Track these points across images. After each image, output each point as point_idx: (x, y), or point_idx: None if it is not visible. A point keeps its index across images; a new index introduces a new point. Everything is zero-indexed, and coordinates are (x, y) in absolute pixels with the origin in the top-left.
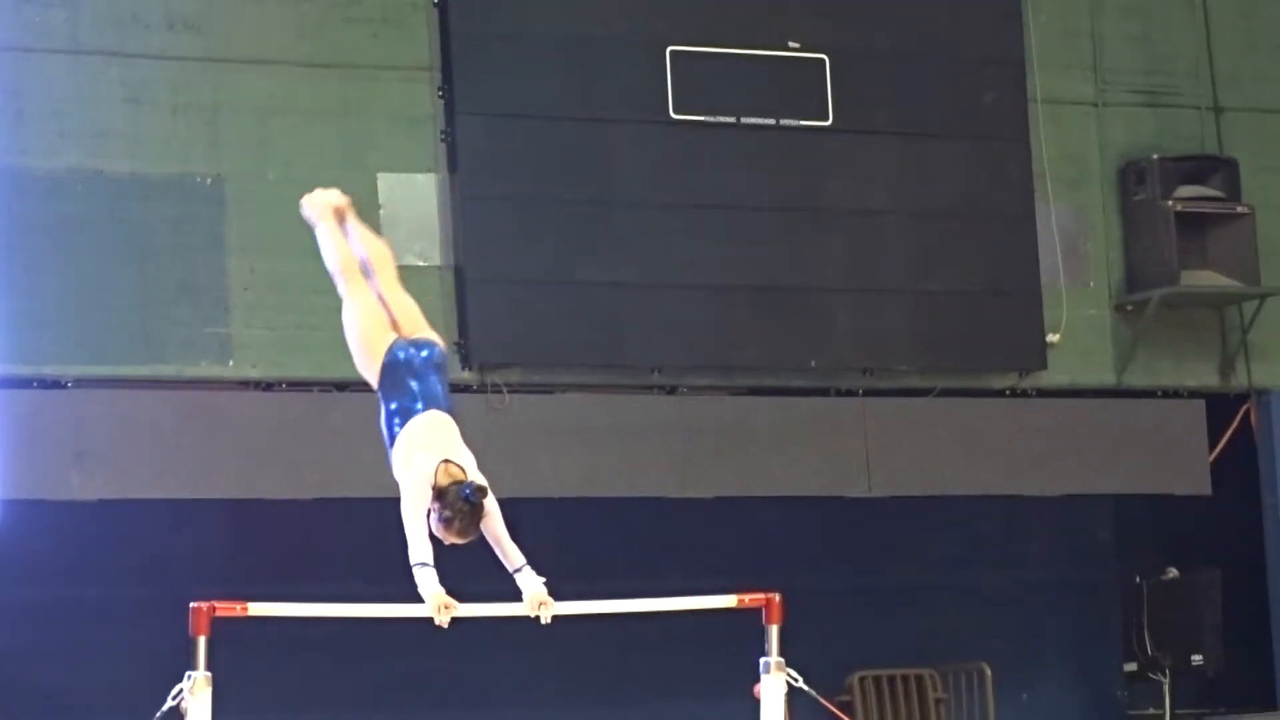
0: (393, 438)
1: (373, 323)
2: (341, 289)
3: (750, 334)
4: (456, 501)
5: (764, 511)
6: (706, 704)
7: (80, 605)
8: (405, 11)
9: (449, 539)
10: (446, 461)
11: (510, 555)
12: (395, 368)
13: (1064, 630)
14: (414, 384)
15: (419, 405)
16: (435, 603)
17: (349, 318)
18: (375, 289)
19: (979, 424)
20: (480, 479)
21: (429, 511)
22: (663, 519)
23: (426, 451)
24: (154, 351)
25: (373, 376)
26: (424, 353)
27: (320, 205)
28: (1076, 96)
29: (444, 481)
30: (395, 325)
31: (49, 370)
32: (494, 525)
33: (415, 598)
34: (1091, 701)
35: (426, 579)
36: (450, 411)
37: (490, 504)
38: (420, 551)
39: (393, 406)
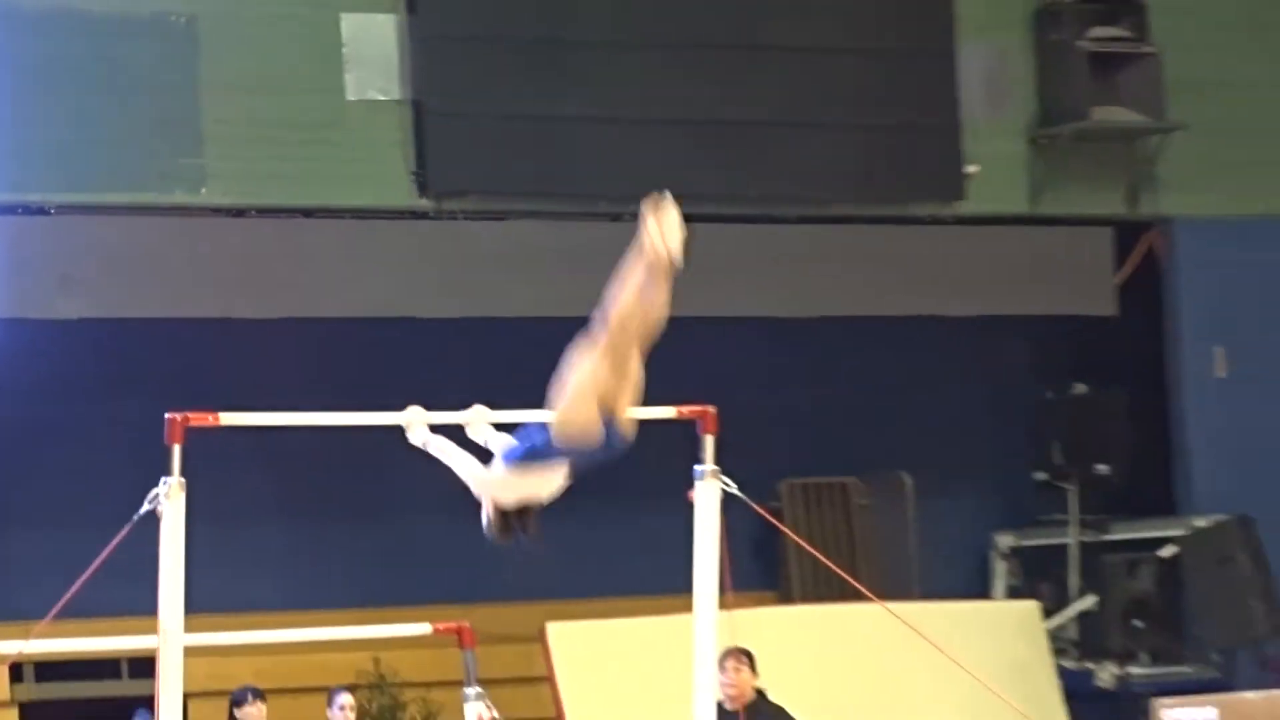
0: (515, 458)
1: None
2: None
3: (693, 165)
4: (507, 531)
5: (703, 331)
6: (646, 509)
7: (64, 419)
8: None
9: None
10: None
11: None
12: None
13: (978, 442)
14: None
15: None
16: (412, 412)
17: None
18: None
19: (903, 250)
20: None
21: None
22: None
23: (538, 488)
24: (133, 180)
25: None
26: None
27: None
28: None
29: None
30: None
31: (34, 197)
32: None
33: (375, 410)
34: (1003, 508)
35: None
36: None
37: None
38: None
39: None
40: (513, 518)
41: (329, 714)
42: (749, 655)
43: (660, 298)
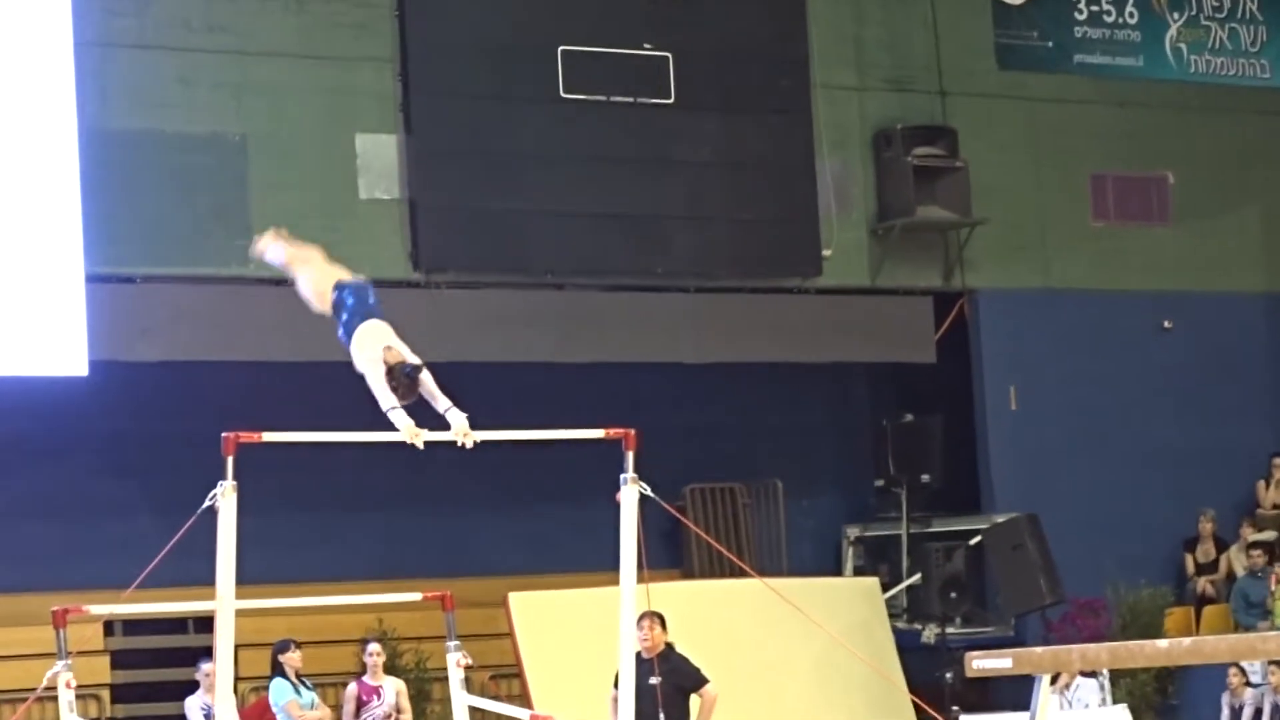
0: (347, 341)
1: (321, 275)
2: (296, 270)
3: (616, 248)
4: (400, 375)
5: (624, 373)
6: (582, 507)
7: (144, 436)
8: (375, 19)
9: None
10: (388, 348)
11: (439, 400)
12: (341, 299)
13: (833, 457)
14: (351, 310)
15: (357, 319)
16: (409, 431)
17: (304, 280)
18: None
19: (774, 313)
20: (413, 358)
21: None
22: (552, 376)
23: (371, 345)
24: (197, 257)
25: (326, 309)
26: (350, 289)
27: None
28: (843, 83)
29: (391, 361)
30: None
31: (123, 270)
32: (428, 385)
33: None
34: (851, 507)
35: (399, 417)
36: (383, 317)
37: (424, 374)
38: (387, 401)
39: (343, 320)
40: (398, 375)
41: (364, 659)
42: (660, 617)
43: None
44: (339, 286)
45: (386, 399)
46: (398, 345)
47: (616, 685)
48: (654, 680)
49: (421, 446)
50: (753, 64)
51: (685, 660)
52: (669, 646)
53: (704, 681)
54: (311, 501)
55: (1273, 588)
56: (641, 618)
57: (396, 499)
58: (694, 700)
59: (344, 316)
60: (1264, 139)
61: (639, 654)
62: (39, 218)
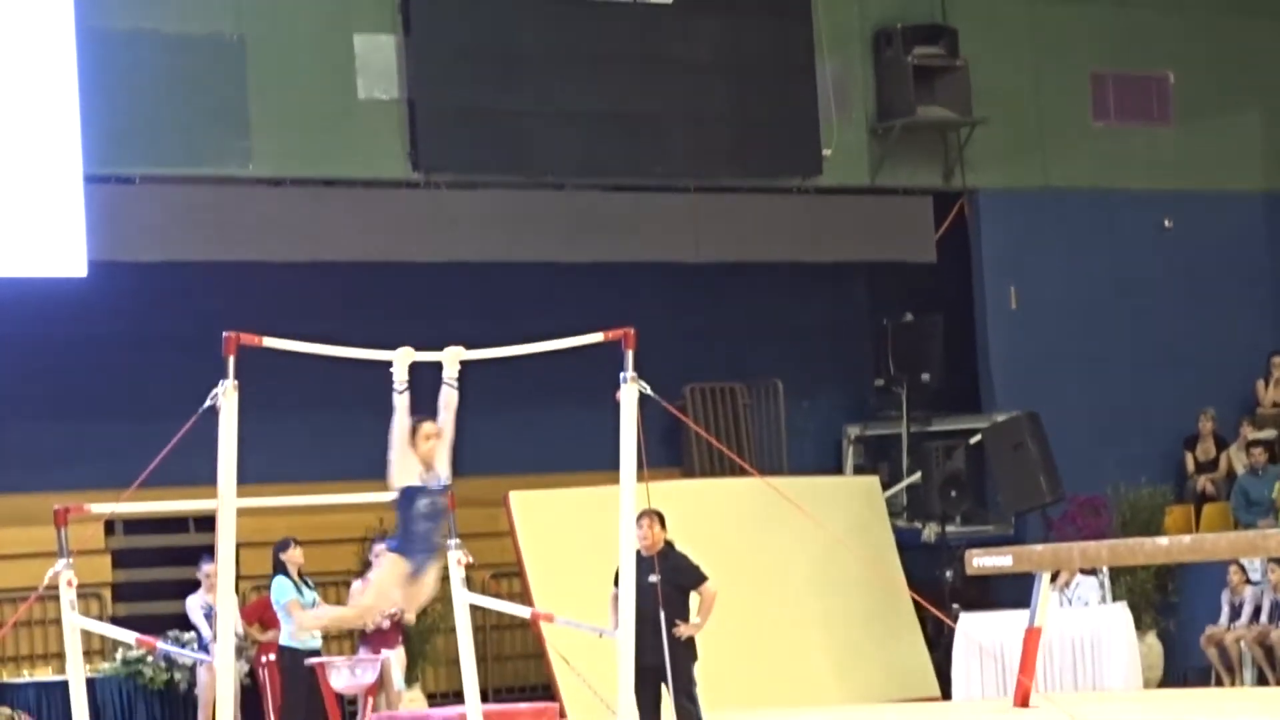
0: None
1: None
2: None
3: (614, 148)
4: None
5: (624, 273)
6: (583, 407)
7: (145, 336)
8: None
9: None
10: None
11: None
12: (403, 504)
13: (833, 357)
14: (413, 522)
15: (409, 553)
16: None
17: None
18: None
19: (774, 212)
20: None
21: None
22: (551, 276)
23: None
24: (197, 158)
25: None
26: (424, 505)
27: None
28: None
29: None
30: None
31: (123, 171)
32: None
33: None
34: (851, 407)
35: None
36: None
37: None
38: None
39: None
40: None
41: (369, 557)
42: (660, 515)
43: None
44: (424, 488)
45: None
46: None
47: (616, 583)
48: (654, 578)
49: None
50: None
51: (685, 558)
52: (668, 545)
53: (703, 579)
54: (313, 401)
55: None
56: (641, 516)
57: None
58: (693, 597)
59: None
60: (1265, 39)
61: (639, 552)
62: (37, 118)
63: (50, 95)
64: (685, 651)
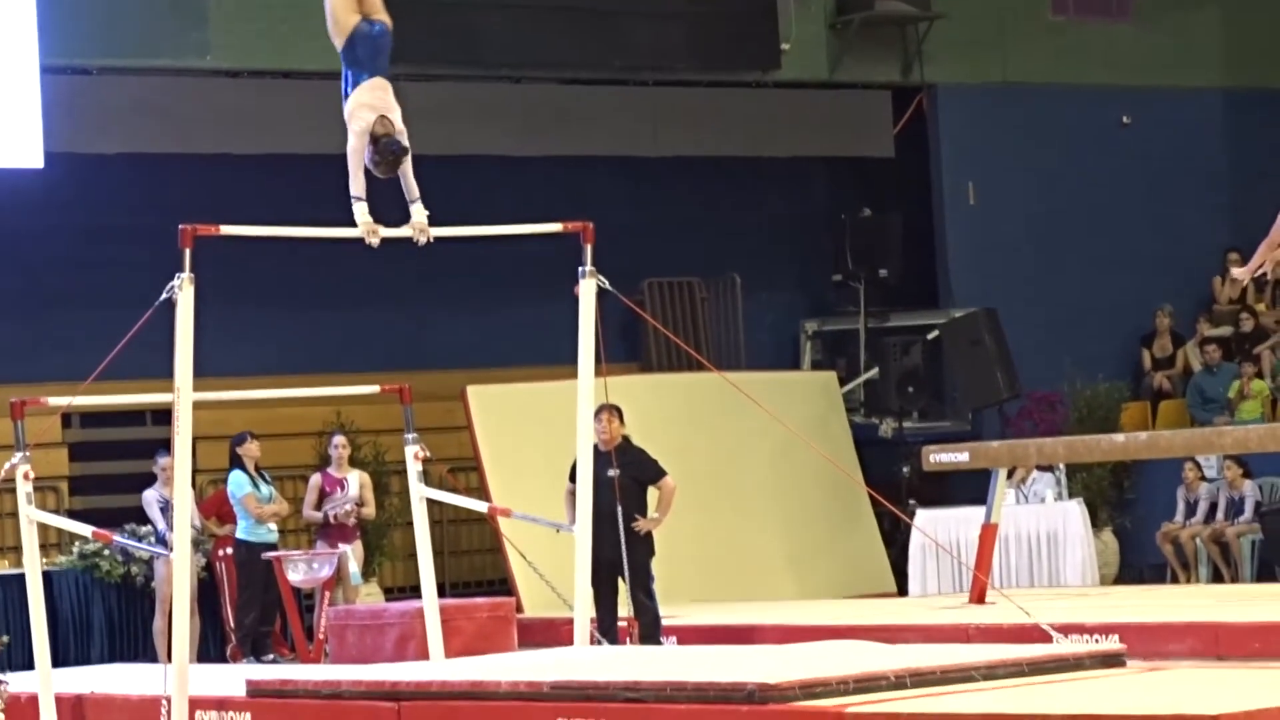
0: (347, 93)
1: (344, 2)
2: None
3: (570, 42)
4: (385, 150)
5: (581, 166)
6: (540, 301)
7: (104, 228)
8: None
9: (375, 172)
10: (383, 117)
11: (410, 188)
12: (355, 40)
13: (791, 251)
14: (366, 55)
15: (366, 74)
16: (365, 228)
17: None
18: None
19: (732, 106)
20: (404, 138)
21: (367, 151)
22: (509, 170)
23: (370, 108)
24: (154, 49)
25: (340, 41)
26: (377, 29)
27: None
28: None
29: (380, 131)
30: (361, 6)
31: (79, 61)
32: (406, 168)
33: (334, 223)
34: (809, 302)
35: (360, 210)
36: (388, 78)
37: (407, 158)
38: (358, 186)
39: (351, 69)
40: (383, 149)
41: (328, 450)
42: (618, 410)
43: None
44: (366, 20)
45: (357, 181)
46: (395, 119)
47: (573, 478)
48: (612, 473)
49: (376, 244)
50: None
51: (643, 453)
52: (626, 439)
53: (662, 474)
54: (270, 296)
55: (1244, 385)
56: (599, 411)
57: (355, 293)
58: (652, 492)
59: (353, 63)
60: None
61: (596, 447)
62: None
63: None
64: (643, 546)
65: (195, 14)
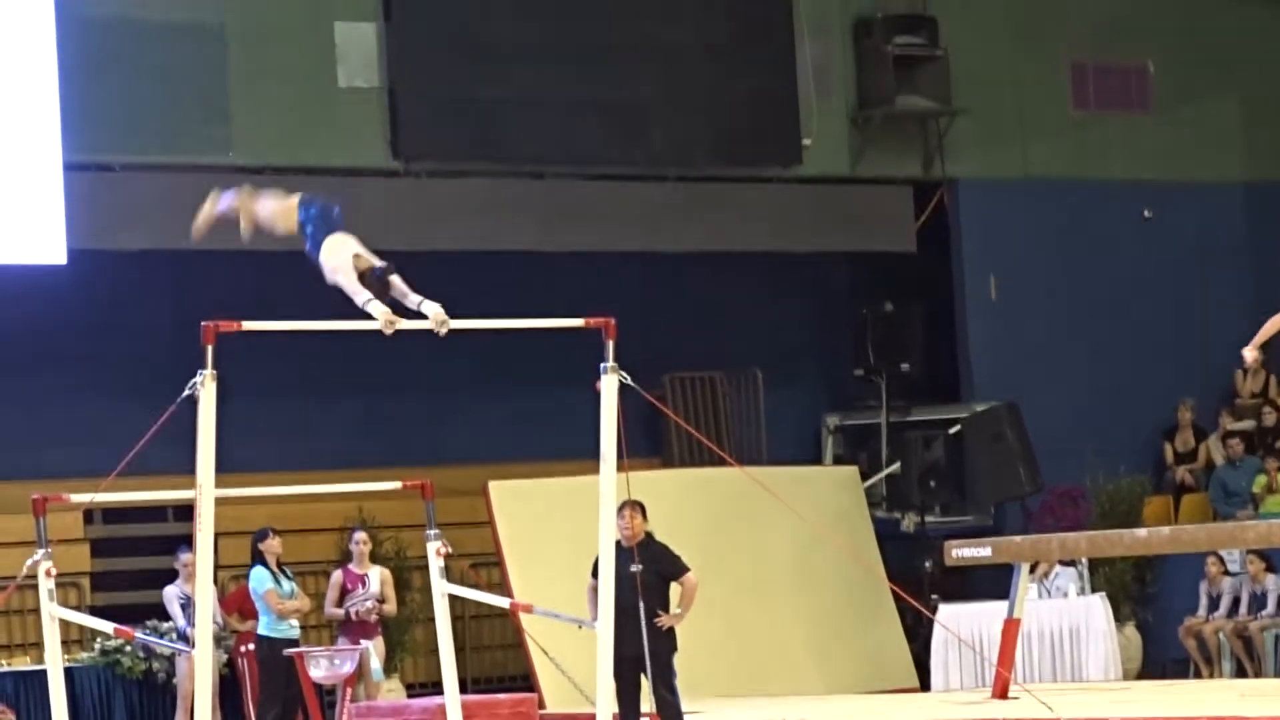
0: (316, 254)
1: (281, 199)
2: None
3: (594, 137)
4: (372, 280)
5: (606, 263)
6: (563, 396)
7: (127, 322)
8: None
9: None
10: (356, 255)
11: (410, 298)
12: (308, 215)
13: (812, 346)
14: (319, 217)
15: (323, 233)
16: (384, 319)
17: (265, 207)
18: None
19: (754, 202)
20: (380, 261)
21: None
22: (532, 265)
23: (341, 253)
24: (177, 146)
25: (293, 227)
26: (314, 209)
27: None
28: None
29: (361, 268)
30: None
31: (104, 158)
32: (399, 286)
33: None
34: (831, 396)
35: (375, 307)
36: (346, 231)
37: (393, 276)
38: (362, 296)
39: (309, 234)
40: (369, 280)
41: (350, 546)
42: (641, 506)
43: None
44: (304, 204)
45: (361, 295)
46: (365, 253)
47: (595, 574)
48: (635, 568)
49: (392, 333)
50: None
51: (665, 548)
52: (649, 535)
53: (685, 570)
54: (292, 391)
55: (1270, 480)
56: (622, 507)
57: (376, 388)
58: (675, 588)
59: (309, 230)
60: (1244, 26)
61: (619, 543)
62: (17, 105)
63: (30, 82)
64: (665, 642)
65: (218, 111)
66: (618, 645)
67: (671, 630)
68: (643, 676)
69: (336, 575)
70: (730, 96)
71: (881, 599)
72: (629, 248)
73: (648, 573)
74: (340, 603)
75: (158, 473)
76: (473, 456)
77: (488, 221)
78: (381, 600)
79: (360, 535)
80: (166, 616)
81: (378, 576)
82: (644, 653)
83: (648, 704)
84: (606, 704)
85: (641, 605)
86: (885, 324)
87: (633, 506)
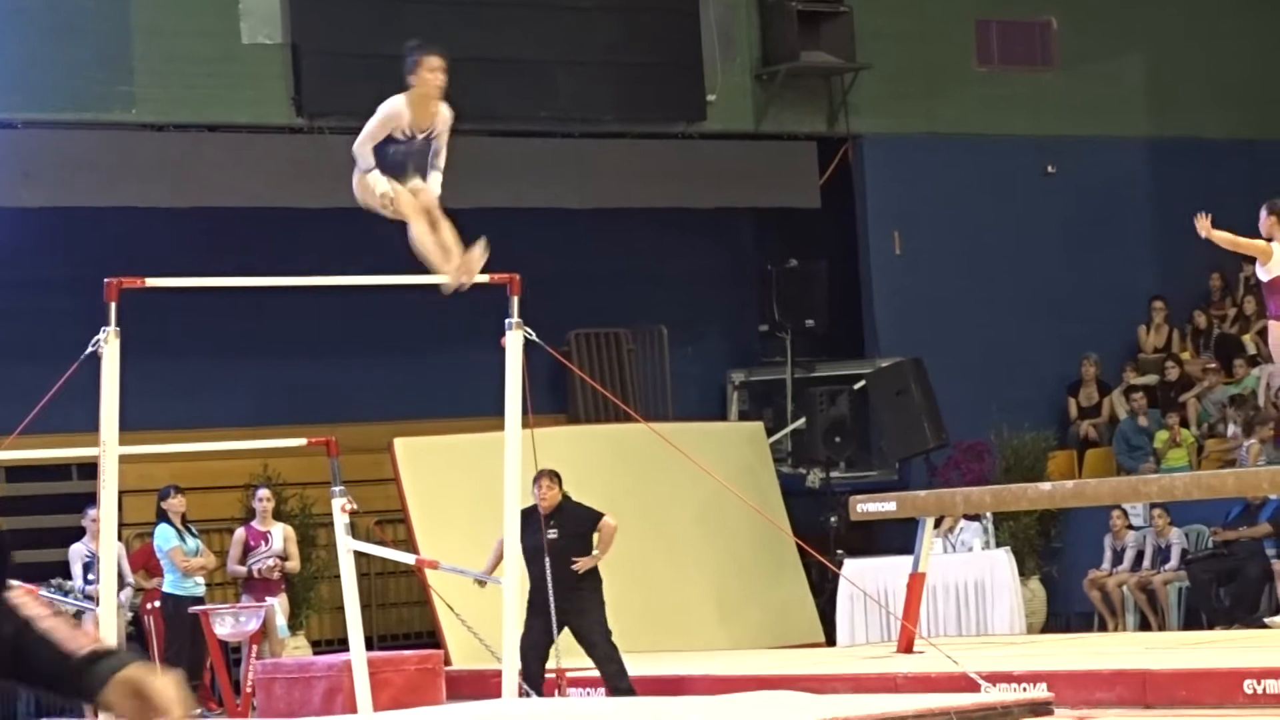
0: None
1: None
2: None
3: (500, 94)
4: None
5: (509, 218)
6: (467, 353)
7: (27, 280)
8: None
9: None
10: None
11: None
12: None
13: (717, 303)
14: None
15: None
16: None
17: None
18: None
19: (658, 158)
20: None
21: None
22: None
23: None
24: (80, 103)
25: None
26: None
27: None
28: None
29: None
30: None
31: (3, 115)
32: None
33: (262, 274)
34: (736, 352)
35: (377, 179)
36: None
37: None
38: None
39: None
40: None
41: (253, 504)
42: (556, 475)
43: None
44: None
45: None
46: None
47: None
48: (551, 535)
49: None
50: None
51: (580, 507)
52: (565, 498)
53: (600, 516)
54: (196, 349)
55: (1171, 434)
56: (538, 477)
57: (282, 345)
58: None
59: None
60: None
61: (536, 508)
62: None
63: None
64: (593, 603)
65: (121, 68)
66: (531, 608)
67: (598, 590)
68: (553, 640)
69: (239, 532)
70: (635, 53)
71: (787, 554)
72: (534, 204)
73: (566, 537)
74: (243, 560)
75: (62, 431)
76: (378, 414)
77: None
78: (284, 557)
79: (263, 492)
80: (71, 575)
81: (280, 533)
82: (572, 608)
83: (553, 660)
84: (513, 660)
85: (549, 569)
86: (790, 280)
87: (549, 476)
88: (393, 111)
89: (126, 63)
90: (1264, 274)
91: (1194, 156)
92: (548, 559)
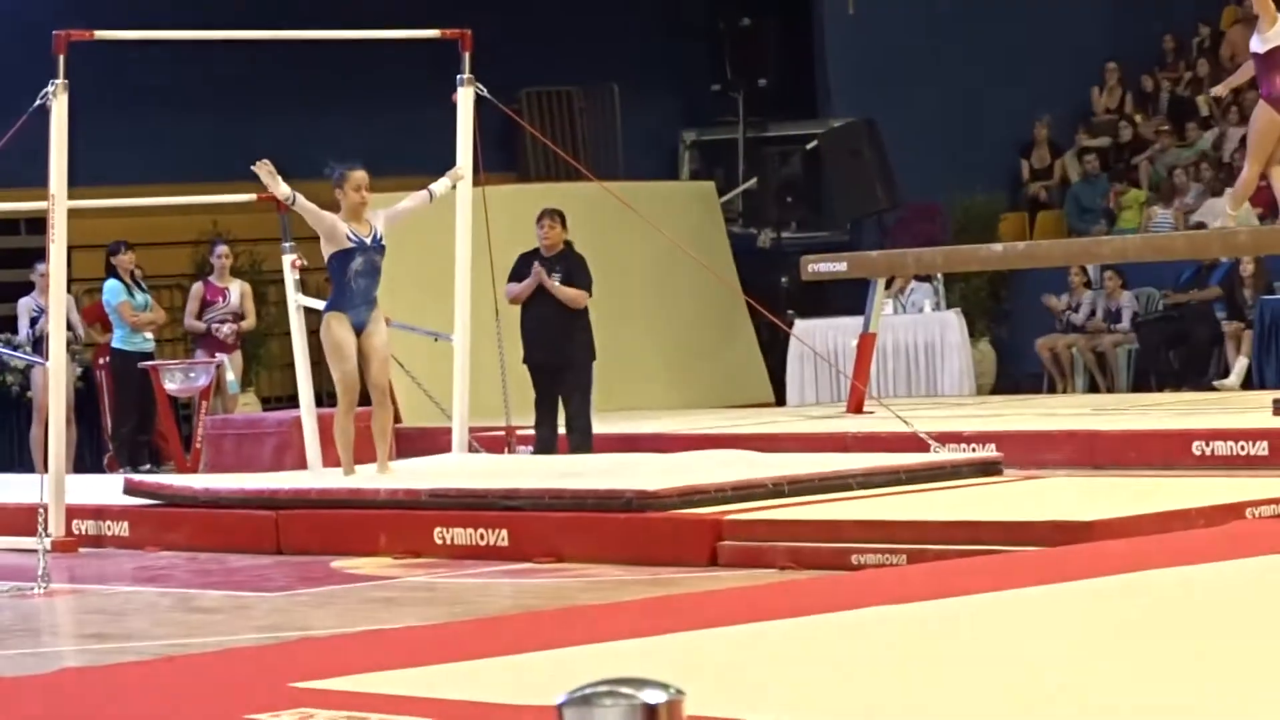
0: None
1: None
2: None
3: None
4: None
5: None
6: (418, 109)
7: None
8: None
9: None
10: None
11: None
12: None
13: (669, 61)
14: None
15: None
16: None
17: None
18: None
19: None
20: None
21: None
22: None
23: None
24: None
25: None
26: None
27: None
28: None
29: None
30: None
31: None
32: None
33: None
34: (688, 112)
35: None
36: None
37: None
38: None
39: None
40: None
41: (211, 260)
42: (560, 214)
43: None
44: None
45: None
46: None
47: (512, 279)
48: (556, 277)
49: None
50: None
51: (582, 260)
52: (568, 244)
53: (585, 288)
54: (147, 102)
55: (1122, 196)
56: (542, 215)
57: (229, 100)
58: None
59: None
60: None
61: (538, 250)
62: None
63: None
64: (585, 351)
65: None
66: (534, 353)
67: (589, 342)
68: (559, 386)
69: (196, 287)
70: None
71: (738, 314)
72: None
73: (565, 281)
74: (200, 315)
75: (10, 186)
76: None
77: None
78: (240, 315)
79: (222, 249)
80: (18, 329)
81: (238, 290)
82: (562, 362)
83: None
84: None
85: (552, 319)
86: (742, 38)
87: (551, 215)
88: (329, 228)
89: None
90: (1260, 44)
91: None
92: (556, 305)
